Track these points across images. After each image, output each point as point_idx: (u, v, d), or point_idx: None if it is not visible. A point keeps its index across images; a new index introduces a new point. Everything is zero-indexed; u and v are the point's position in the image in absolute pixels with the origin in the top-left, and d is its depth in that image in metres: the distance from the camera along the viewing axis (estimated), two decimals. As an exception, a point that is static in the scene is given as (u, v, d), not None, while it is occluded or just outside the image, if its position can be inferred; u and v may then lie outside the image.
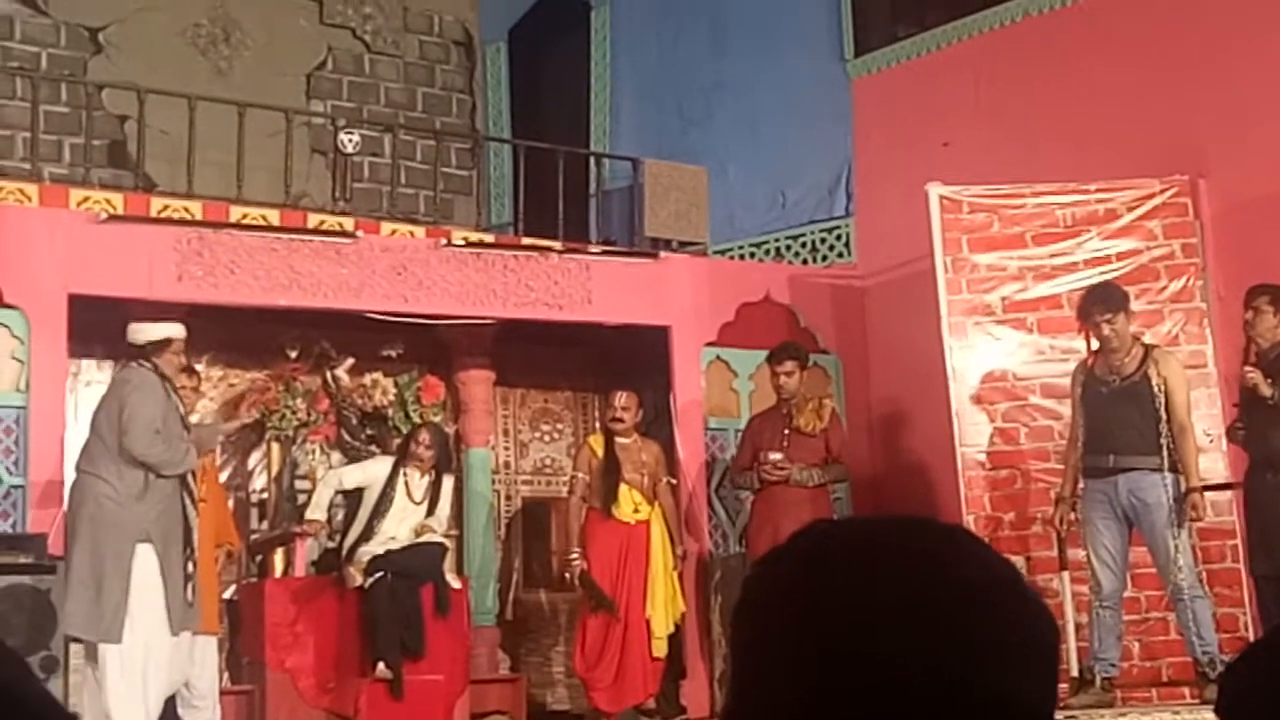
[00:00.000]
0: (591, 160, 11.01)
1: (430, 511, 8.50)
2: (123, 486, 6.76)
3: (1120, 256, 8.42)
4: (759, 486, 8.48)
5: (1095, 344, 7.41)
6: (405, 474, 8.50)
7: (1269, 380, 7.03)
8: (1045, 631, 1.14)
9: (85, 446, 6.97)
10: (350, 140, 9.97)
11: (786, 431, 8.48)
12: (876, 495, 9.21)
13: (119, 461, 6.77)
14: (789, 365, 8.55)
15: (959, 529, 1.18)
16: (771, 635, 1.10)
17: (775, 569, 1.14)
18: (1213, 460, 7.86)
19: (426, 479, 8.54)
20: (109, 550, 6.68)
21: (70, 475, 7.52)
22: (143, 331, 7.10)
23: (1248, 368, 7.12)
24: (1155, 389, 7.21)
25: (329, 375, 9.30)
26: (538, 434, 10.25)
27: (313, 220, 9.24)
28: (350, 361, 9.31)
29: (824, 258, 10.26)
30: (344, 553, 8.43)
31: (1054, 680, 1.17)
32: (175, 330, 7.15)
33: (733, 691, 1.16)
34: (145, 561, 6.71)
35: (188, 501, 6.90)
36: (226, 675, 8.25)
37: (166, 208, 8.92)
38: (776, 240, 10.44)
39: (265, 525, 9.22)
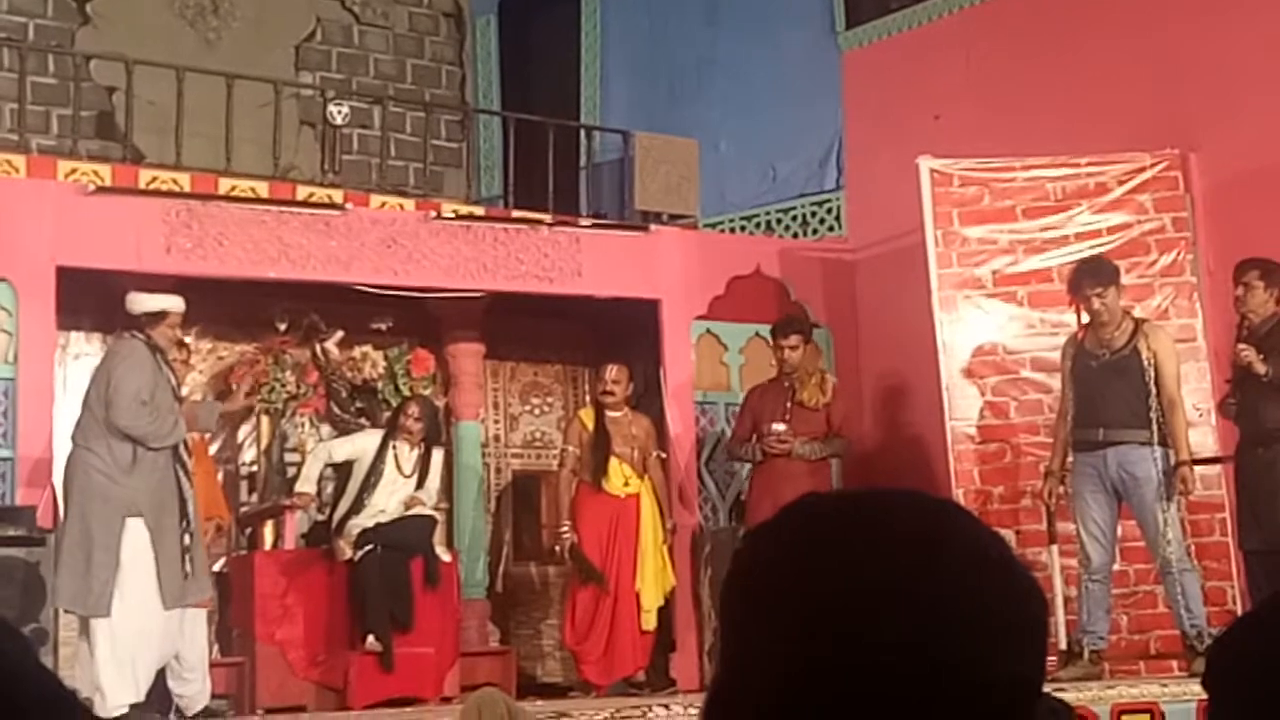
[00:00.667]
0: (582, 133, 10.99)
1: (420, 484, 8.50)
2: (112, 460, 6.75)
3: (1111, 230, 8.42)
4: (760, 459, 8.49)
5: (1085, 318, 7.42)
6: (395, 447, 8.49)
7: (1262, 356, 7.03)
8: (1035, 608, 1.13)
9: (78, 419, 6.97)
10: (339, 112, 9.94)
11: (789, 405, 8.48)
12: (866, 468, 9.22)
13: (108, 435, 6.77)
14: (794, 339, 8.56)
15: (949, 503, 1.18)
16: (761, 610, 1.10)
17: (765, 543, 1.14)
18: (1202, 434, 7.88)
19: (416, 452, 8.54)
20: (98, 524, 6.68)
21: (60, 447, 7.53)
22: (139, 302, 7.09)
23: (1241, 345, 7.12)
24: (1145, 363, 7.22)
25: (318, 348, 9.28)
26: (528, 407, 10.24)
27: (302, 192, 9.21)
28: (340, 334, 9.29)
29: (814, 231, 10.25)
30: (333, 525, 8.43)
31: (1043, 656, 1.17)
32: (172, 303, 7.12)
33: (721, 665, 1.15)
34: (135, 535, 6.70)
35: (181, 475, 6.88)
36: (216, 647, 8.25)
37: (155, 179, 8.90)
38: (767, 214, 10.43)
39: (255, 498, 9.22)
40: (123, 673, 6.64)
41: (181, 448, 6.94)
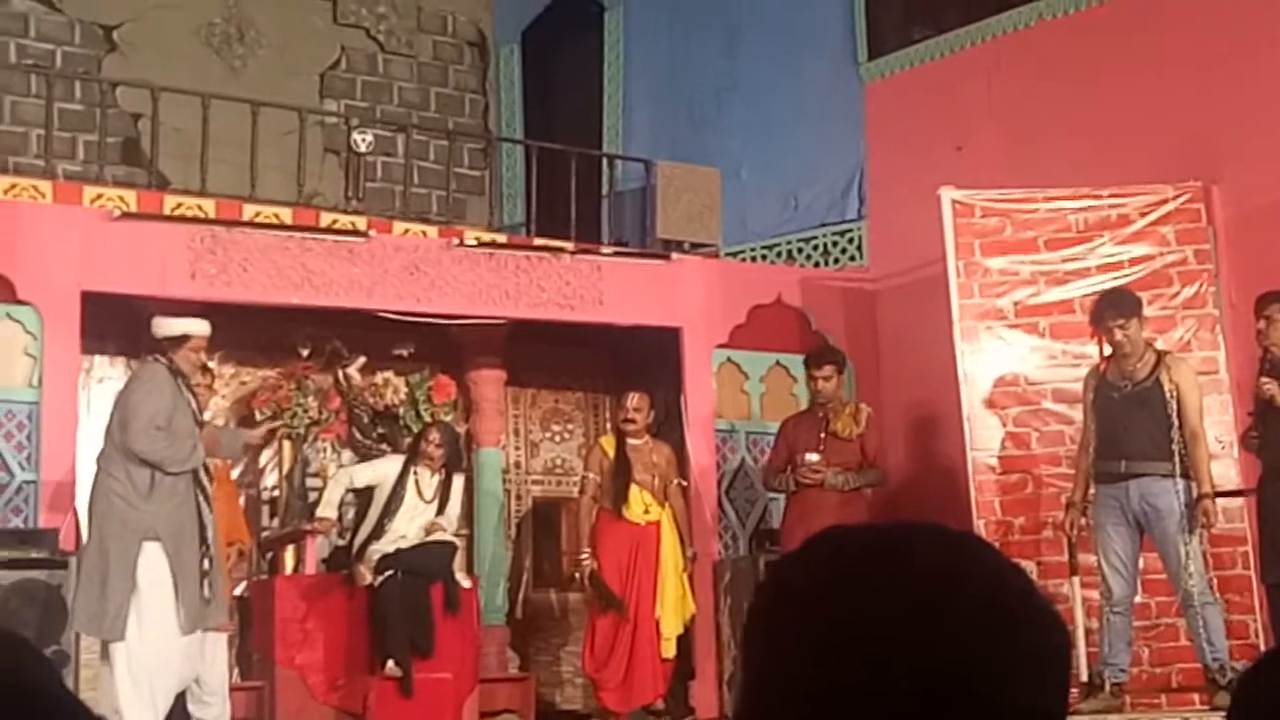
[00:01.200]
0: (604, 161, 11.02)
1: (440, 510, 8.51)
2: (131, 484, 6.78)
3: (1133, 262, 8.40)
4: (793, 489, 8.48)
5: (1108, 349, 7.40)
6: (416, 473, 8.51)
7: (1285, 389, 7.01)
8: (1057, 639, 1.14)
9: (103, 444, 7.00)
10: (363, 140, 9.99)
11: (823, 435, 8.48)
12: (887, 498, 9.20)
13: (126, 460, 6.79)
14: (827, 370, 8.57)
15: (971, 536, 1.19)
16: (785, 638, 1.11)
17: (791, 573, 1.15)
18: (1225, 467, 7.84)
19: (437, 478, 8.55)
20: (114, 548, 6.71)
21: (83, 471, 7.57)
22: (164, 326, 7.12)
23: (1264, 379, 7.10)
24: (1167, 394, 7.19)
25: (340, 374, 9.32)
26: (548, 434, 10.26)
27: (325, 219, 9.26)
28: (362, 360, 9.32)
29: (836, 260, 10.26)
30: (354, 551, 8.44)
31: (1066, 688, 1.17)
32: (195, 327, 7.13)
33: (744, 692, 1.16)
34: (152, 560, 6.71)
35: (201, 500, 6.90)
36: (236, 671, 8.27)
37: (180, 205, 8.95)
38: (788, 243, 10.44)
39: (276, 523, 9.23)
40: (141, 696, 6.66)
41: (202, 473, 6.95)
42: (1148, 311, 7.60)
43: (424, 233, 9.55)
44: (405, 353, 9.48)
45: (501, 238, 9.88)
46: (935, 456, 9.22)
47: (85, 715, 1.20)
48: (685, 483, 8.89)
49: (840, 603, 1.09)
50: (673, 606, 8.49)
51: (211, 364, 8.44)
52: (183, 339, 7.04)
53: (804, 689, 1.08)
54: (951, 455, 8.65)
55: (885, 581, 1.09)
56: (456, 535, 8.74)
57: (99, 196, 8.88)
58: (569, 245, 9.56)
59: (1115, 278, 8.23)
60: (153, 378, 7.00)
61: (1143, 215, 8.46)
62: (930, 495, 8.98)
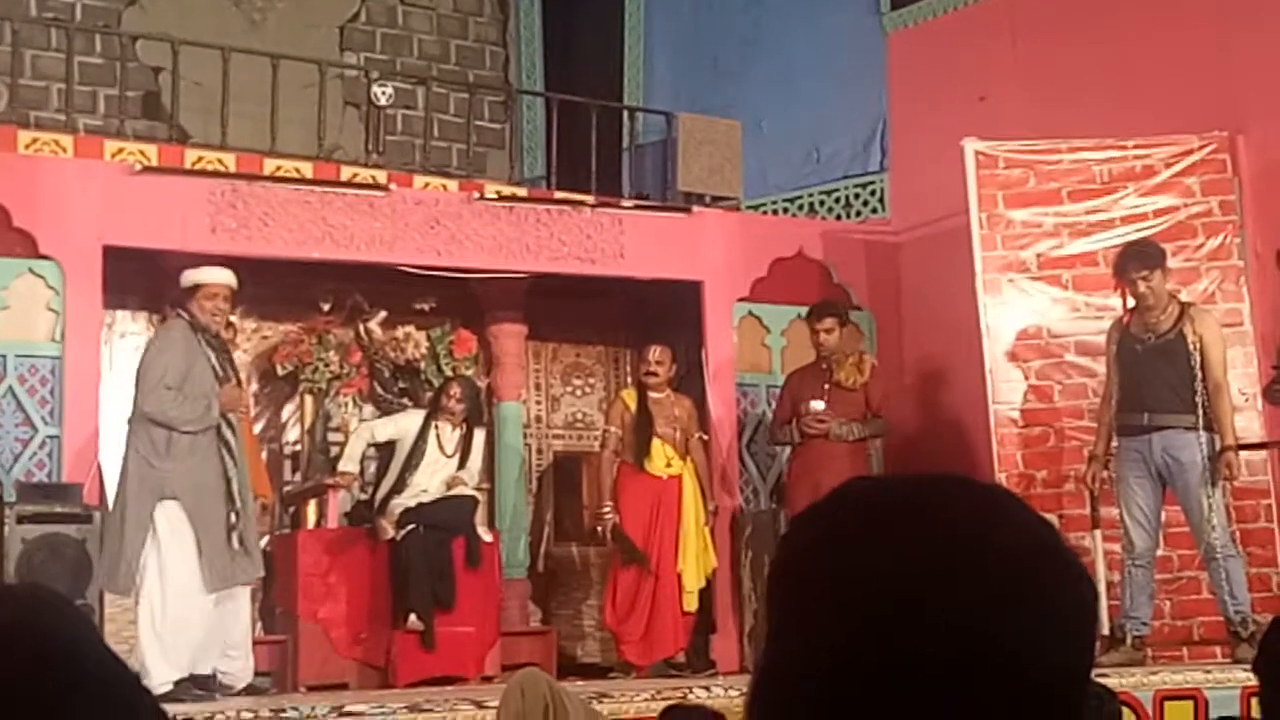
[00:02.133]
0: (625, 114, 10.97)
1: (462, 464, 8.53)
2: (150, 442, 6.81)
3: (1157, 213, 8.36)
4: (799, 440, 8.49)
5: (1131, 301, 7.37)
6: (437, 427, 8.52)
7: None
8: (1085, 594, 1.13)
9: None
10: (383, 93, 9.96)
11: (827, 386, 8.48)
12: (909, 451, 9.19)
13: (142, 419, 6.82)
14: (829, 322, 8.54)
15: (1000, 489, 1.17)
16: (812, 595, 1.10)
17: (816, 528, 1.13)
18: (1248, 419, 7.82)
19: (458, 432, 8.56)
20: (132, 505, 6.76)
21: (105, 426, 7.60)
22: (184, 278, 7.12)
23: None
24: (1191, 347, 7.16)
25: (361, 328, 9.32)
26: (569, 388, 10.26)
27: (346, 173, 9.25)
28: (383, 314, 9.32)
29: (858, 213, 10.22)
30: (376, 505, 8.47)
31: (1092, 643, 1.16)
32: (205, 275, 7.07)
33: (769, 649, 1.15)
34: (171, 517, 6.75)
35: (226, 455, 6.91)
36: (259, 625, 8.31)
37: (200, 159, 8.95)
38: (810, 195, 10.40)
39: (298, 477, 9.26)
40: (165, 650, 6.70)
41: (226, 429, 6.95)
42: (1171, 263, 7.56)
43: (444, 186, 9.53)
44: (426, 307, 9.47)
45: (522, 191, 9.85)
46: (957, 409, 9.20)
47: (119, 668, 1.20)
48: (706, 436, 8.89)
49: (871, 557, 1.08)
50: (694, 560, 8.50)
51: (233, 319, 8.45)
52: (194, 289, 7.02)
53: (832, 642, 1.07)
54: (973, 408, 8.64)
55: (916, 536, 1.08)
56: (478, 489, 8.76)
57: (120, 151, 8.88)
58: (589, 199, 9.54)
59: (1139, 229, 8.18)
60: (165, 334, 7.00)
61: (1167, 166, 8.41)
62: (951, 448, 8.97)
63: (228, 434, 6.95)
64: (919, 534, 1.08)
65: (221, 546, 6.79)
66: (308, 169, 9.16)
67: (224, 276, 7.13)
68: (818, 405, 8.39)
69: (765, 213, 10.34)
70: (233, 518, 6.84)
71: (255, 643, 7.51)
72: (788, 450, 8.79)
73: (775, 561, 1.16)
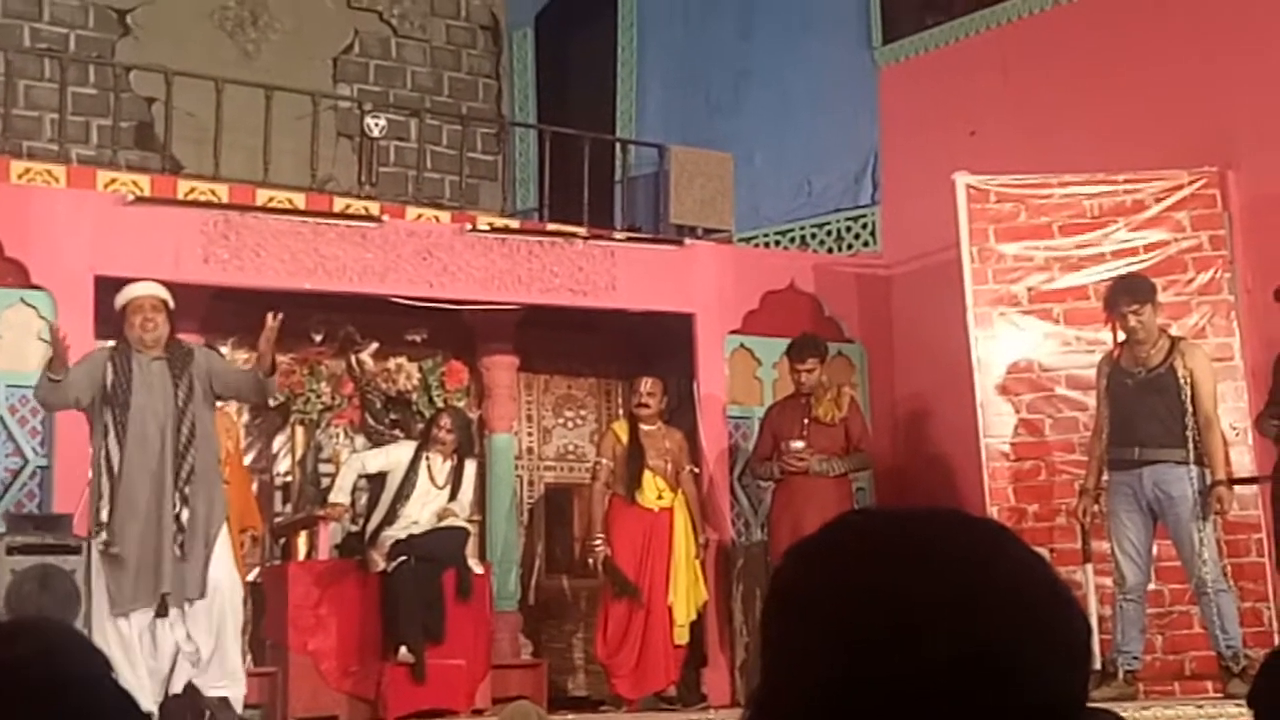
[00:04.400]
0: (617, 146, 11.00)
1: (453, 496, 8.51)
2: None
3: (1148, 248, 8.38)
4: (780, 476, 8.49)
5: (1122, 335, 7.39)
6: (428, 458, 8.51)
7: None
8: (1079, 626, 1.13)
9: None
10: (376, 124, 9.98)
11: (806, 421, 8.48)
12: (900, 485, 9.20)
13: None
14: (810, 363, 8.57)
15: (992, 522, 1.18)
16: (808, 625, 1.10)
17: (811, 559, 1.14)
18: (1239, 454, 7.83)
19: (449, 464, 8.55)
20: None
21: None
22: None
23: (1280, 363, 7.08)
24: (1181, 381, 7.17)
25: (353, 359, 9.32)
26: (561, 420, 10.25)
27: (338, 204, 9.26)
28: (374, 346, 9.32)
29: (849, 246, 10.23)
30: (367, 536, 8.45)
31: (1087, 674, 1.16)
32: (127, 293, 6.89)
33: (764, 683, 1.15)
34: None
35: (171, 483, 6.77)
36: (249, 657, 8.27)
37: (193, 190, 8.95)
38: (802, 228, 10.42)
39: (289, 508, 9.25)
40: (130, 674, 6.62)
41: (170, 454, 6.77)
42: (1162, 297, 7.58)
43: (437, 218, 9.55)
44: (418, 338, 9.47)
45: (514, 223, 9.87)
46: (948, 443, 9.20)
47: (135, 710, 1.20)
48: (697, 469, 8.88)
49: (867, 587, 1.08)
50: (685, 593, 8.49)
51: (224, 349, 8.43)
52: (123, 311, 6.88)
53: (829, 672, 1.07)
54: (964, 442, 8.63)
55: (911, 566, 1.08)
56: (469, 521, 8.74)
57: (112, 181, 8.88)
58: (582, 230, 9.56)
59: (1130, 263, 8.20)
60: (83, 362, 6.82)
61: (1158, 201, 8.43)
62: (942, 481, 8.97)
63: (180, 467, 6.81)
64: (914, 564, 1.08)
65: (149, 567, 6.70)
66: (300, 200, 9.17)
67: (144, 290, 6.94)
68: (796, 445, 8.40)
69: (757, 245, 10.36)
70: (170, 537, 6.75)
71: (245, 675, 7.45)
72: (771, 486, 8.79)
73: (770, 592, 1.16)
